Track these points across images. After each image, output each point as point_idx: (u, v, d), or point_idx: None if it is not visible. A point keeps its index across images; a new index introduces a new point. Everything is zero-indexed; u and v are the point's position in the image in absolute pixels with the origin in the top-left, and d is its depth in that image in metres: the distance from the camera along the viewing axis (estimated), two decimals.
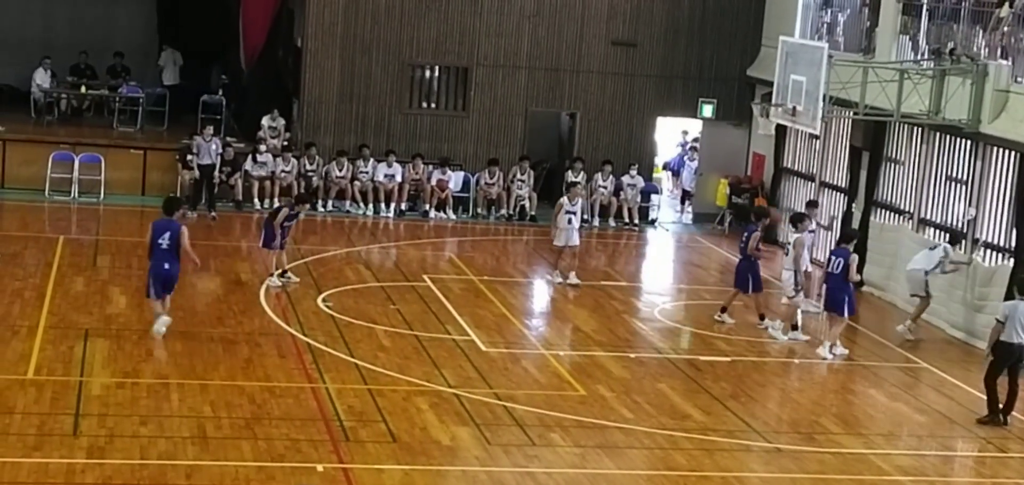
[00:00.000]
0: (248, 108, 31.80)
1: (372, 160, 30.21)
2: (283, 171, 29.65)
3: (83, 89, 33.02)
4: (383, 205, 29.98)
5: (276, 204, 25.89)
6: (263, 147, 29.81)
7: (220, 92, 32.90)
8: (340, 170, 29.90)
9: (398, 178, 30.19)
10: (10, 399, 15.71)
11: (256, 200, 29.28)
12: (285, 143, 30.42)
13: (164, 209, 19.18)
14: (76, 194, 28.74)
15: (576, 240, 24.44)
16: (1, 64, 33.37)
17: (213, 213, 28.00)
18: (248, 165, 29.56)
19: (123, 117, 32.11)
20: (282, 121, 30.92)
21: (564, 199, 24.61)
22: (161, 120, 32.43)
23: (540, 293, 24.29)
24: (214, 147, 28.51)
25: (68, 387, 16.37)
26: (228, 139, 30.24)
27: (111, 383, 16.67)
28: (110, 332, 18.94)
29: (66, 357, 17.56)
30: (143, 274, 19.74)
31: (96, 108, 33.16)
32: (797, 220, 22.75)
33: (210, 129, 29.07)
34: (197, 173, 28.29)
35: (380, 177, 30.08)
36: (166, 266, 18.62)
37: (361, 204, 29.91)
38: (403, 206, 30.13)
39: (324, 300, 21.52)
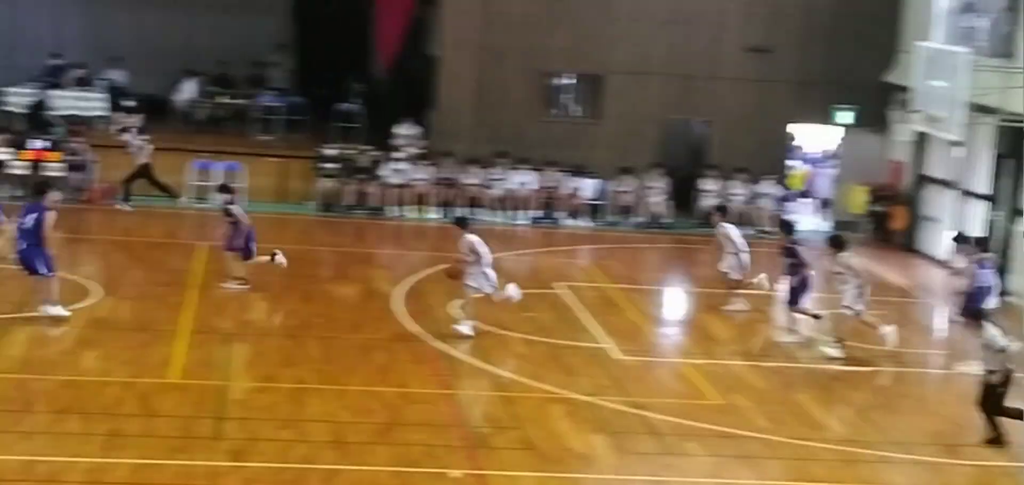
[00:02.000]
0: (384, 116, 32.10)
1: (506, 168, 30.33)
2: (419, 179, 29.89)
3: (223, 98, 33.64)
4: (517, 212, 30.08)
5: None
6: (398, 155, 30.09)
7: (356, 100, 33.26)
8: (473, 178, 30.06)
9: (532, 185, 30.27)
10: (155, 402, 16.02)
11: (393, 207, 29.55)
12: (420, 151, 30.66)
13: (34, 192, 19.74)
14: (216, 201, 29.24)
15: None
16: (144, 74, 34.07)
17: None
18: (384, 173, 29.86)
19: (262, 126, 32.65)
20: (417, 129, 31.17)
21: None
22: (299, 128, 32.91)
23: (675, 301, 24.14)
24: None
25: (210, 391, 16.65)
26: (364, 147, 30.60)
27: (251, 387, 16.93)
28: (250, 337, 19.24)
29: (208, 361, 17.87)
30: (282, 280, 20.04)
31: (236, 117, 33.73)
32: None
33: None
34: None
35: (514, 185, 30.19)
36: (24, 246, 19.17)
37: (495, 211, 30.04)
38: (537, 213, 30.19)
39: (460, 307, 21.62)
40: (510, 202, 30.18)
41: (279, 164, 30.45)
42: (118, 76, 33.79)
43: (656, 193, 30.65)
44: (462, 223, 20.09)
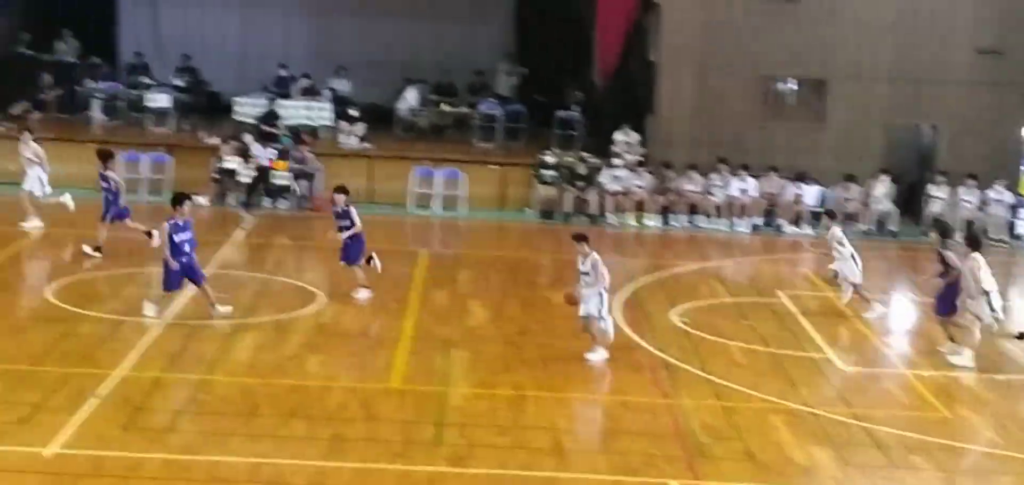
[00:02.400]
0: (602, 123, 32.09)
1: (726, 174, 30.00)
2: (637, 186, 29.78)
3: (444, 107, 34.08)
4: (737, 220, 29.72)
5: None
6: (617, 162, 30.03)
7: (575, 107, 33.31)
8: (693, 185, 29.81)
9: (752, 192, 29.87)
10: (376, 407, 16.24)
11: (609, 214, 29.51)
12: (639, 158, 30.55)
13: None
14: (437, 208, 29.66)
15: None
16: (368, 84, 34.75)
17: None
18: (603, 180, 29.83)
19: (482, 133, 32.97)
20: (636, 136, 31.06)
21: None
22: (518, 136, 33.13)
23: (901, 311, 23.53)
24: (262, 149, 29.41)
25: (431, 397, 16.81)
26: (583, 154, 30.63)
27: (471, 393, 17.04)
28: (470, 344, 19.38)
29: (428, 367, 18.05)
30: (502, 289, 20.13)
31: (456, 125, 34.10)
32: None
33: (247, 135, 29.74)
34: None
35: (734, 191, 29.83)
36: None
37: (715, 218, 29.74)
38: (758, 221, 29.79)
39: (679, 315, 21.43)
40: (730, 209, 29.83)
41: (499, 172, 30.70)
42: (343, 86, 34.53)
43: (882, 200, 29.92)
44: (581, 239, 18.80)
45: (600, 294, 18.16)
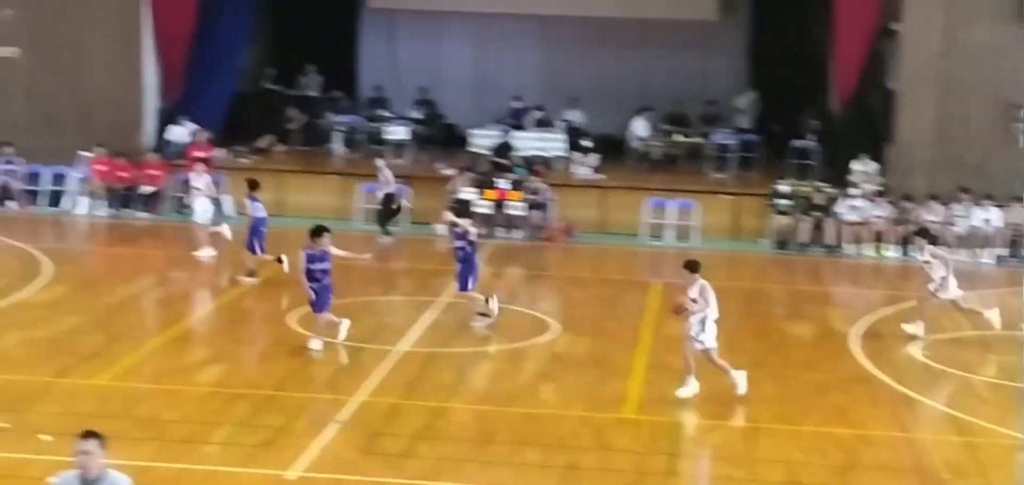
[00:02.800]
0: (839, 153, 31.51)
1: (969, 204, 29.15)
2: (876, 216, 29.17)
3: (677, 137, 33.98)
4: (981, 250, 28.83)
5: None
6: (854, 191, 29.47)
7: (811, 137, 32.79)
8: (934, 215, 29.04)
9: (996, 223, 28.95)
10: (609, 436, 16.25)
11: (846, 244, 28.97)
12: (878, 187, 29.91)
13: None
14: (670, 239, 29.55)
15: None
16: (601, 114, 34.86)
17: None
18: (841, 210, 29.31)
19: (716, 163, 32.76)
20: (874, 165, 30.43)
21: None
22: (752, 166, 32.81)
23: None
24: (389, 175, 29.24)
25: (664, 427, 16.74)
26: (819, 184, 30.17)
27: (704, 424, 16.92)
28: (703, 375, 19.20)
29: (662, 398, 17.96)
30: (736, 320, 19.91)
31: (689, 155, 33.94)
32: None
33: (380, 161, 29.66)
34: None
35: (977, 221, 28.96)
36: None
37: (957, 250, 28.88)
38: (1002, 251, 28.84)
39: (920, 348, 20.89)
40: (973, 240, 28.94)
41: (733, 201, 30.44)
42: (576, 116, 34.72)
43: None
44: (693, 267, 18.09)
45: (703, 320, 17.65)
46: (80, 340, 19.43)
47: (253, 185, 24.37)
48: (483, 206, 29.56)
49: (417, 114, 35.15)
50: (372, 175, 29.83)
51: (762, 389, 18.35)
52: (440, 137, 35.08)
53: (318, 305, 19.58)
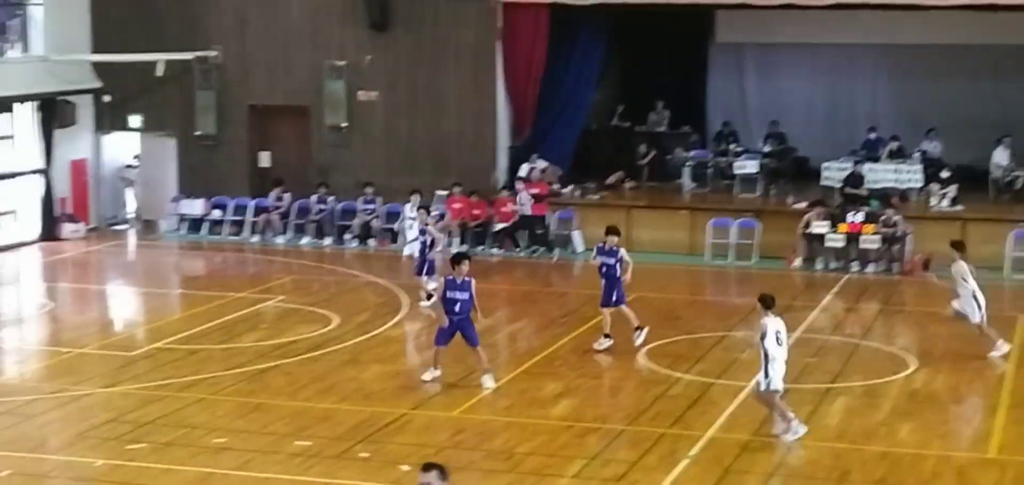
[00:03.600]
0: None
1: None
2: None
3: None
4: None
5: None
6: None
7: None
8: None
9: None
10: (972, 477, 15.58)
11: None
12: None
13: None
14: None
15: None
16: (959, 145, 33.64)
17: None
18: None
19: None
20: None
21: None
22: None
23: None
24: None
25: None
26: None
27: None
28: None
29: None
30: None
31: None
32: None
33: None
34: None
35: None
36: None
37: None
38: None
39: None
40: None
41: None
42: (932, 147, 33.61)
43: None
44: (768, 304, 16.97)
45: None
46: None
47: (427, 208, 25.22)
48: (836, 240, 28.94)
49: (767, 147, 34.74)
50: (722, 210, 29.61)
51: None
52: (790, 170, 34.56)
53: (441, 338, 19.50)
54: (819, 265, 29.10)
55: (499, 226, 31.18)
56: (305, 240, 32.28)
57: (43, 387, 19.84)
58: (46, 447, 17.01)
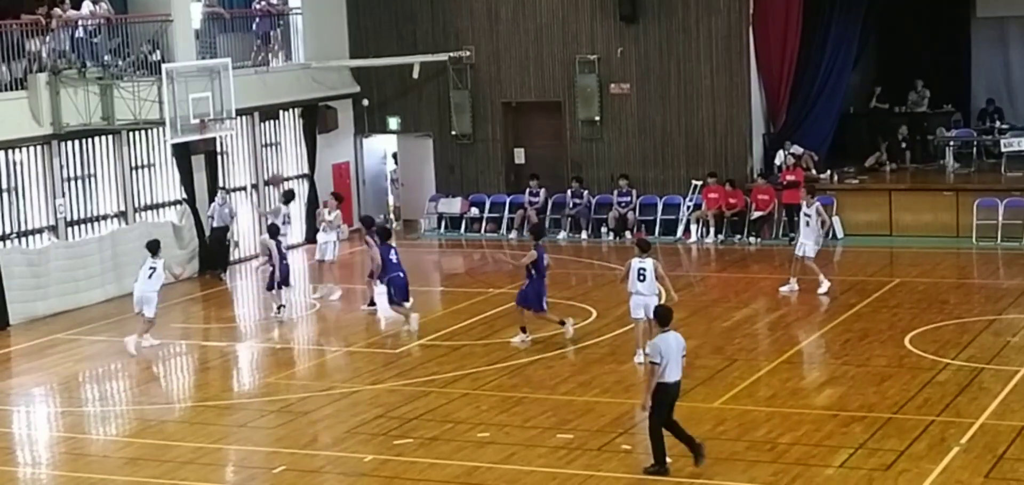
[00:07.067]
0: None
1: None
2: None
3: None
4: None
5: None
6: None
7: None
8: None
9: None
10: None
11: None
12: None
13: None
14: None
15: None
16: None
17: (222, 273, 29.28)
18: None
19: None
20: None
21: None
22: None
23: None
24: (226, 210, 29.40)
25: None
26: None
27: None
28: None
29: None
30: None
31: None
32: None
33: (219, 194, 29.49)
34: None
35: None
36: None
37: None
38: None
39: None
40: None
41: None
42: None
43: None
44: None
45: None
46: (697, 363, 19.78)
47: None
48: None
49: None
50: (989, 190, 28.65)
51: None
52: None
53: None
54: None
55: (756, 215, 30.82)
56: (561, 235, 32.49)
57: (313, 385, 20.48)
58: (318, 443, 17.54)
